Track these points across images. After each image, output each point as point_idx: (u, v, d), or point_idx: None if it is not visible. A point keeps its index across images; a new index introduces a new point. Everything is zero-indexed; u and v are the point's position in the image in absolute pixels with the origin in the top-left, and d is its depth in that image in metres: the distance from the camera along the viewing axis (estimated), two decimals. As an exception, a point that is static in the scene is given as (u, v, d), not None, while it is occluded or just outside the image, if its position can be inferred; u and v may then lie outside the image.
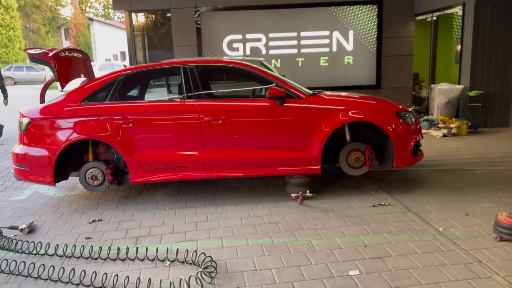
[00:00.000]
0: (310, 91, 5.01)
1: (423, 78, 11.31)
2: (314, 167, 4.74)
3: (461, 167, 5.95)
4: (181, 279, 3.08)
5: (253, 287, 3.02)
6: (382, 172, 5.71)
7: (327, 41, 9.27)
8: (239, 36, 9.21)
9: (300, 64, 9.35)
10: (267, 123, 4.70)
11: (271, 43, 9.26)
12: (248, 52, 9.16)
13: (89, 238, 3.98)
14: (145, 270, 3.31)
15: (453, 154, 6.70)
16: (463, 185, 5.12)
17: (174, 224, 4.24)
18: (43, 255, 3.64)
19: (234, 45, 9.23)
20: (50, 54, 4.81)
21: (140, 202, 4.93)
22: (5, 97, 8.74)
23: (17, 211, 4.79)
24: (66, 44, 47.79)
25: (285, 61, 9.32)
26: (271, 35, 9.24)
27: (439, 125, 8.38)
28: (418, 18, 10.65)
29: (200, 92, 4.78)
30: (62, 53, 4.96)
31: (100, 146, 4.89)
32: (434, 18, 10.33)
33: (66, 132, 4.62)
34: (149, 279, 3.09)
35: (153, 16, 10.09)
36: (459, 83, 8.98)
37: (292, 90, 4.75)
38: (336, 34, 9.25)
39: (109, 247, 3.68)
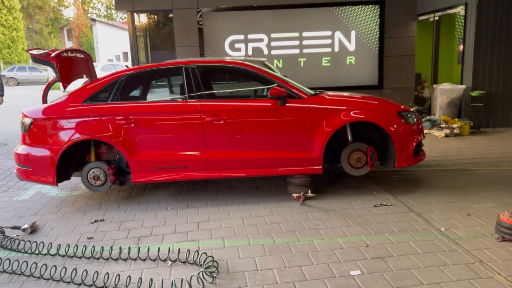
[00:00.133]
0: (312, 91, 5.01)
1: (425, 78, 11.29)
2: (316, 167, 4.74)
3: (463, 167, 5.94)
4: (182, 279, 3.08)
5: (255, 287, 3.02)
6: (384, 172, 5.70)
7: (329, 41, 9.27)
8: (241, 37, 9.22)
9: (302, 65, 9.35)
10: (269, 124, 4.70)
11: (273, 44, 9.27)
12: (250, 53, 9.17)
13: (91, 238, 3.99)
14: (147, 270, 3.32)
15: (455, 154, 6.69)
16: (465, 185, 5.11)
17: (176, 224, 4.25)
18: (45, 255, 3.65)
19: (236, 45, 9.24)
20: (53, 54, 4.83)
21: (142, 202, 4.94)
22: (1, 95, 8.60)
23: (19, 211, 4.80)
24: (68, 45, 47.93)
25: (287, 62, 9.32)
26: (273, 35, 9.24)
27: (441, 125, 8.36)
28: (420, 18, 10.63)
29: (202, 93, 4.78)
30: (64, 53, 4.98)
31: (102, 146, 4.91)
32: (436, 18, 10.31)
33: (68, 132, 4.64)
34: (151, 279, 3.10)
35: (155, 16, 10.11)
36: (461, 83, 8.96)
37: (294, 90, 4.75)
38: (338, 34, 9.24)
39: (111, 247, 3.69)
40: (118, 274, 3.20)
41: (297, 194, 4.76)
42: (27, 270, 3.35)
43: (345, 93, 5.44)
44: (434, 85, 9.43)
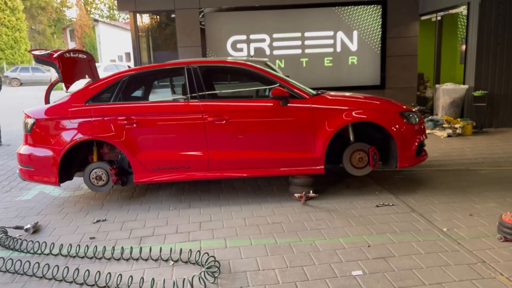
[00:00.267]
0: (314, 92, 5.02)
1: (428, 78, 11.27)
2: (317, 167, 4.74)
3: (466, 167, 5.93)
4: (184, 279, 3.09)
5: (256, 287, 3.03)
6: (386, 172, 5.69)
7: (331, 41, 9.26)
8: (243, 37, 9.23)
9: (304, 65, 9.35)
10: (271, 124, 4.71)
11: (275, 44, 9.27)
12: (252, 53, 9.17)
13: (94, 238, 4.00)
14: (149, 270, 3.33)
15: (458, 154, 6.68)
16: (467, 185, 5.10)
17: (177, 224, 4.26)
18: (47, 254, 3.67)
19: (238, 45, 9.25)
20: (55, 55, 4.85)
21: (144, 202, 4.95)
22: None
23: (22, 211, 4.82)
24: (71, 45, 48.02)
25: (289, 62, 9.32)
26: (275, 35, 9.24)
27: (444, 125, 8.35)
28: (423, 18, 10.62)
29: (204, 93, 4.79)
30: (67, 54, 4.99)
31: (104, 146, 4.92)
32: (439, 18, 10.30)
33: (70, 132, 4.65)
34: (153, 279, 3.10)
35: (158, 17, 10.13)
36: (464, 83, 8.95)
37: (296, 90, 4.75)
38: (340, 35, 9.23)
39: (113, 247, 3.70)
40: (120, 274, 3.21)
41: (299, 194, 4.76)
42: (29, 270, 3.36)
43: (347, 93, 5.44)
44: (437, 85, 9.42)
